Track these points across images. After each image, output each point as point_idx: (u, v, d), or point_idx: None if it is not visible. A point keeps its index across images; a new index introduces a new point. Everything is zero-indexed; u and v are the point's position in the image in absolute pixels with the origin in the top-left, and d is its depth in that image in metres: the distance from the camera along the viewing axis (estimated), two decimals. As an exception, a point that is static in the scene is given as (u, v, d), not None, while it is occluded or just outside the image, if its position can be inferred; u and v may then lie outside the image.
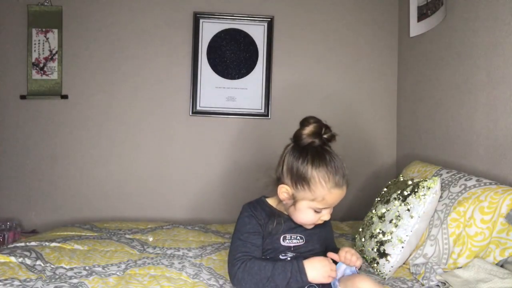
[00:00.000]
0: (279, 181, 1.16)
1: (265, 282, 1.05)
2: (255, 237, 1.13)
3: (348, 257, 1.12)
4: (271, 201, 1.22)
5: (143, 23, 2.46)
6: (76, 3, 2.42)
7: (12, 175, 2.41)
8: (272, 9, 2.50)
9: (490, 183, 1.40)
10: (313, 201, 1.10)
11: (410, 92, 2.39)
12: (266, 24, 2.49)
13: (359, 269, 1.18)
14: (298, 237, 1.17)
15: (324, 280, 1.08)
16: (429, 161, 1.97)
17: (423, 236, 1.44)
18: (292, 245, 1.15)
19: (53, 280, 1.22)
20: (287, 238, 1.16)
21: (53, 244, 1.57)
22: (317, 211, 1.12)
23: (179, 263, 1.42)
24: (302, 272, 1.07)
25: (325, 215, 1.13)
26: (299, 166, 1.10)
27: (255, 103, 2.50)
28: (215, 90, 2.49)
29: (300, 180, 1.09)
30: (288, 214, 1.17)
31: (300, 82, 2.52)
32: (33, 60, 2.40)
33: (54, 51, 2.40)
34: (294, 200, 1.12)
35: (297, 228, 1.17)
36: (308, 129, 1.14)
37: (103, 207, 2.43)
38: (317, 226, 1.19)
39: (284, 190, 1.13)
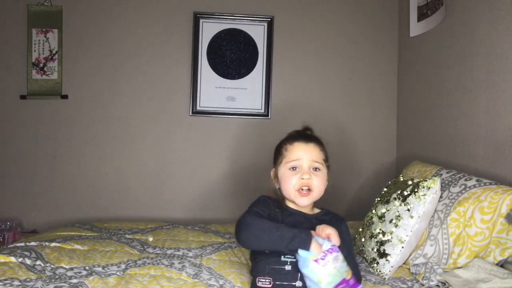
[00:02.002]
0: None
1: (272, 230, 1.11)
2: (266, 215, 1.22)
3: (320, 229, 1.12)
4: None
5: (143, 23, 2.46)
6: (76, 3, 2.42)
7: (12, 175, 2.41)
8: (272, 9, 2.50)
9: (490, 183, 1.40)
10: (285, 159, 1.27)
11: (410, 92, 2.39)
12: (266, 24, 2.49)
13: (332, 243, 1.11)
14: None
15: (318, 251, 1.09)
16: (429, 161, 1.96)
17: (423, 236, 1.44)
18: None
19: (53, 280, 1.22)
20: None
21: (53, 244, 1.57)
22: (293, 169, 1.25)
23: (179, 263, 1.42)
24: (308, 233, 1.11)
25: (303, 173, 1.23)
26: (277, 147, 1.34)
27: (255, 103, 2.50)
28: (215, 90, 2.49)
29: (277, 153, 1.33)
30: (283, 195, 1.28)
31: (300, 82, 2.52)
32: (33, 60, 2.40)
33: (54, 51, 2.40)
34: (277, 172, 1.29)
35: (301, 225, 1.20)
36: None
37: (103, 207, 2.43)
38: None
39: (271, 173, 1.33)
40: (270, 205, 1.26)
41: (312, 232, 1.13)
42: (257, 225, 1.13)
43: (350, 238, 1.28)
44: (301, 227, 1.17)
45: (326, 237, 1.10)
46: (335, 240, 1.09)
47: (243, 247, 1.17)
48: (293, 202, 1.27)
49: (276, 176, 1.31)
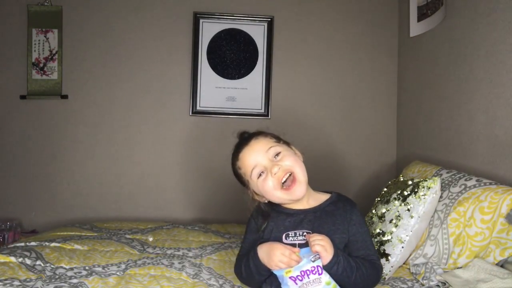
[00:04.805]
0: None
1: (247, 272, 1.13)
2: (251, 238, 1.20)
3: (312, 238, 1.04)
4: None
5: (143, 23, 2.46)
6: (76, 3, 2.42)
7: (12, 175, 2.41)
8: (272, 9, 2.50)
9: (490, 183, 1.40)
10: (247, 175, 1.16)
11: (410, 92, 2.39)
12: (266, 24, 2.49)
13: (316, 260, 1.02)
14: (305, 233, 1.10)
15: (271, 266, 1.04)
16: (429, 161, 1.97)
17: (423, 236, 1.44)
18: (297, 242, 1.09)
19: (53, 280, 1.22)
20: (290, 235, 1.12)
21: (53, 244, 1.57)
22: (262, 174, 1.13)
23: (179, 263, 1.42)
24: (256, 254, 1.09)
25: (270, 169, 1.12)
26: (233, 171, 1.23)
27: (255, 103, 2.50)
28: (215, 90, 2.49)
29: (238, 177, 1.21)
30: (277, 203, 1.18)
31: (300, 82, 2.52)
32: (33, 60, 2.40)
33: (54, 51, 2.40)
34: (250, 188, 1.18)
35: (303, 223, 1.13)
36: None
37: (103, 207, 2.43)
38: (331, 222, 1.13)
39: (250, 194, 1.20)
40: (256, 219, 1.19)
41: (307, 236, 1.07)
42: (240, 273, 1.16)
43: (364, 227, 1.15)
44: (302, 227, 1.12)
45: (316, 253, 1.01)
46: (323, 260, 1.02)
47: None
48: (292, 200, 1.14)
49: (256, 194, 1.19)
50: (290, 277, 0.99)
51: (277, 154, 1.14)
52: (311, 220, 1.13)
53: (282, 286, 1.03)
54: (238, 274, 1.19)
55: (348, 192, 2.47)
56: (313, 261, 1.00)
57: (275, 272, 1.04)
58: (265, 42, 2.50)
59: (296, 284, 0.99)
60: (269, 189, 1.12)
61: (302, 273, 0.99)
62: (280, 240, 1.11)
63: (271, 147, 1.14)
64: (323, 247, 1.02)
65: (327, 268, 1.02)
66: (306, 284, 0.98)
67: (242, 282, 1.20)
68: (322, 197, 1.21)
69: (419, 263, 1.39)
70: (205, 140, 2.49)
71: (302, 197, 1.15)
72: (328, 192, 1.24)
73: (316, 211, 1.16)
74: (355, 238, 1.13)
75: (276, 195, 1.12)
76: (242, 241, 1.24)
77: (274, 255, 1.03)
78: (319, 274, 0.99)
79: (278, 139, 1.21)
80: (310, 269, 0.99)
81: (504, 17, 1.55)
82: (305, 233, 1.10)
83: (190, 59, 2.47)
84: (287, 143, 1.22)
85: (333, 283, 1.02)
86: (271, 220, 1.17)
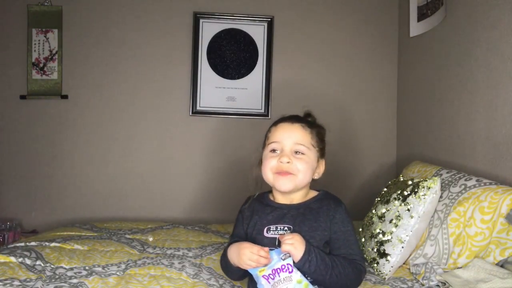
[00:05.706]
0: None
1: (223, 267, 1.21)
2: (238, 229, 1.24)
3: (283, 238, 1.04)
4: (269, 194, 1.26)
5: (143, 23, 2.46)
6: (76, 3, 2.42)
7: (12, 175, 2.41)
8: (272, 9, 2.50)
9: (490, 183, 1.40)
10: (270, 141, 1.18)
11: (410, 92, 2.39)
12: (266, 24, 2.49)
13: (286, 259, 1.03)
14: (286, 228, 1.12)
15: (242, 265, 1.06)
16: (429, 161, 1.97)
17: (423, 236, 1.44)
18: (277, 236, 1.10)
19: (53, 280, 1.22)
20: (271, 229, 1.13)
21: (53, 244, 1.57)
22: (274, 151, 1.16)
23: (179, 263, 1.42)
24: (225, 256, 1.15)
25: (282, 155, 1.14)
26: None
27: (255, 103, 2.50)
28: (215, 90, 2.49)
29: (265, 136, 1.24)
30: (268, 181, 1.19)
31: (300, 82, 2.52)
32: (33, 60, 2.40)
33: (54, 51, 2.40)
34: (263, 152, 1.21)
35: (285, 218, 1.14)
36: None
37: (103, 207, 2.43)
38: (313, 218, 1.13)
39: (260, 155, 1.23)
40: (242, 212, 1.23)
41: (280, 236, 1.06)
42: (222, 267, 1.22)
43: (347, 226, 1.14)
44: (283, 222, 1.13)
45: (285, 252, 1.02)
46: (293, 258, 1.02)
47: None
48: (274, 187, 1.17)
49: (261, 161, 1.21)
50: (263, 276, 1.02)
51: (298, 153, 1.15)
52: (293, 216, 1.14)
53: (257, 285, 1.05)
54: (221, 266, 1.24)
55: (348, 192, 2.48)
56: (283, 259, 1.02)
57: (250, 271, 1.06)
58: (265, 42, 2.50)
59: (269, 282, 1.01)
60: (268, 165, 1.16)
61: (273, 271, 1.01)
62: (262, 234, 1.14)
63: (302, 144, 1.15)
64: (292, 245, 1.03)
65: (299, 265, 1.03)
66: (277, 283, 1.00)
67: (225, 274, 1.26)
68: (311, 194, 1.22)
69: (419, 263, 1.39)
70: (205, 140, 2.49)
71: (285, 193, 1.17)
72: (319, 190, 1.24)
73: (300, 207, 1.17)
74: (336, 236, 1.13)
75: (268, 174, 1.17)
76: (231, 234, 1.28)
77: (243, 254, 1.05)
78: (289, 272, 1.01)
79: (319, 144, 1.20)
80: (280, 267, 1.01)
81: (504, 17, 1.55)
82: (285, 228, 1.12)
83: (190, 59, 2.47)
84: (322, 153, 1.22)
85: (305, 281, 1.03)
86: (256, 214, 1.19)
